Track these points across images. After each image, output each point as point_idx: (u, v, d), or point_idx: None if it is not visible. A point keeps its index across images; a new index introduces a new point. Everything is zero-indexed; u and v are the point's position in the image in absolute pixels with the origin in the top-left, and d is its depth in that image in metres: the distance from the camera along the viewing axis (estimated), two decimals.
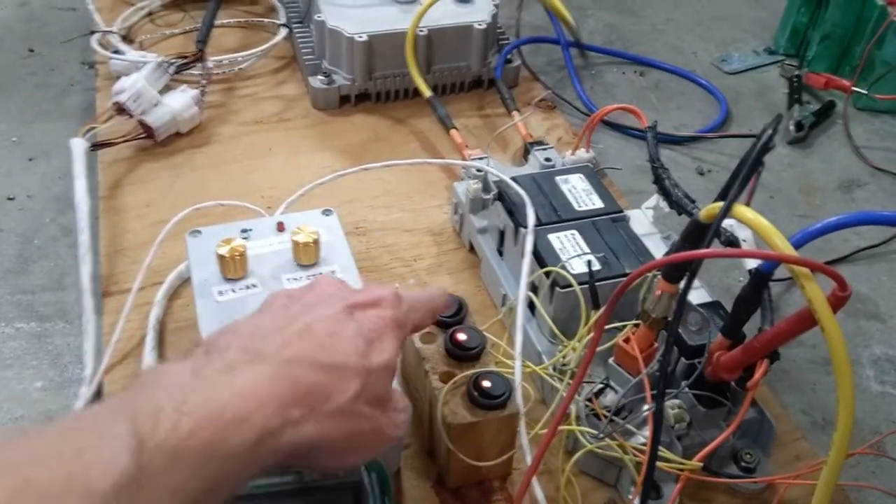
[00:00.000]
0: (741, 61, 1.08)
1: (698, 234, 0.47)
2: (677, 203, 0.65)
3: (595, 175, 0.70)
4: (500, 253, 0.70)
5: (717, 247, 0.55)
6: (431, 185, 0.82)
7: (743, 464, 0.57)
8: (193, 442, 0.34)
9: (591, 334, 0.56)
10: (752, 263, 0.61)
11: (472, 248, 0.74)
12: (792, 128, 0.94)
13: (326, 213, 0.65)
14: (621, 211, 0.67)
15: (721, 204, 0.44)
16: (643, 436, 0.54)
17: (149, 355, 0.63)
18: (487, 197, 0.72)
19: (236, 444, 0.35)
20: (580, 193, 0.68)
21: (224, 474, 0.35)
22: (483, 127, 0.91)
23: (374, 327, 0.43)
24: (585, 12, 1.15)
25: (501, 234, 0.69)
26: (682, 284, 0.49)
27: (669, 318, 0.52)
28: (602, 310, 0.47)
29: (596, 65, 1.06)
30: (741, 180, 0.43)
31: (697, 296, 0.63)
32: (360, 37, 0.87)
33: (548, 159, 0.75)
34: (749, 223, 0.43)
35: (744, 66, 1.07)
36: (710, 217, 0.45)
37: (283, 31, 0.98)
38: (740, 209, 0.43)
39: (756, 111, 1.00)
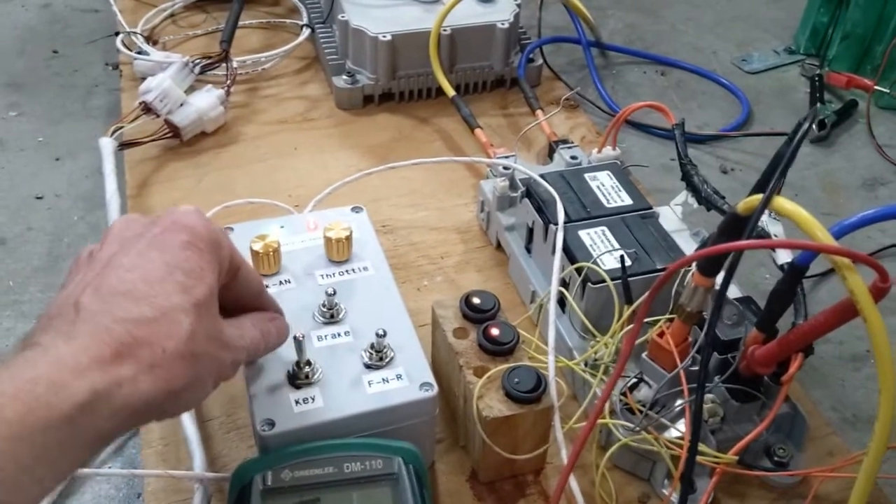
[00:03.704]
0: (762, 61, 1.08)
1: (736, 226, 0.47)
2: (706, 199, 0.65)
3: (623, 172, 0.70)
4: (529, 250, 0.70)
5: None
6: (456, 183, 0.82)
7: (776, 458, 0.57)
8: (6, 413, 0.32)
9: (626, 329, 0.56)
10: (782, 259, 0.61)
11: (499, 246, 0.74)
12: (814, 127, 0.94)
13: (356, 210, 0.65)
14: (650, 207, 0.67)
15: (759, 196, 0.44)
16: (677, 430, 0.54)
17: None
18: (515, 195, 0.72)
19: (57, 413, 0.33)
20: (609, 190, 0.68)
21: (50, 446, 0.33)
22: (506, 126, 0.91)
23: (182, 254, 0.41)
24: (605, 12, 1.15)
25: (530, 232, 0.69)
26: (718, 278, 0.50)
27: (705, 312, 0.52)
28: (643, 298, 0.47)
29: (616, 64, 1.06)
30: (780, 171, 0.43)
31: (728, 291, 0.63)
32: (384, 36, 0.88)
33: (574, 157, 0.75)
34: (789, 214, 0.43)
35: (764, 66, 1.07)
36: (748, 209, 0.45)
37: (306, 32, 0.98)
38: (780, 201, 0.43)
39: (777, 110, 1.00)
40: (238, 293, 0.46)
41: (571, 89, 0.96)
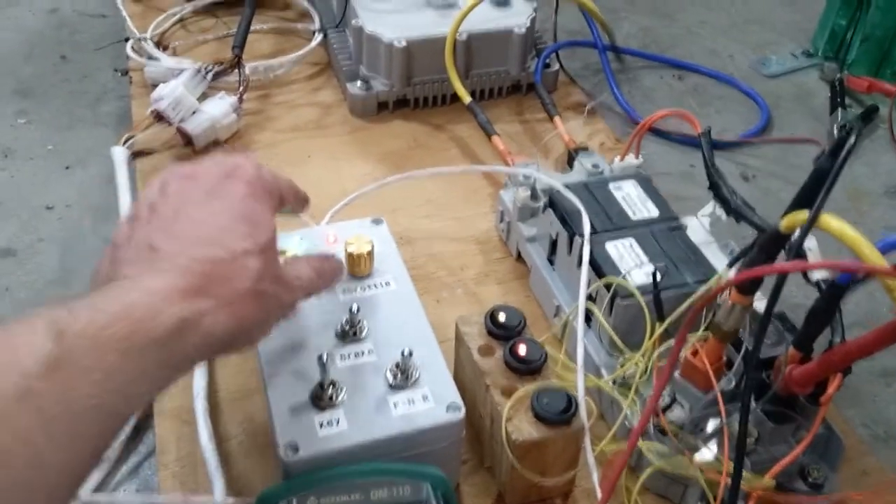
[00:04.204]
0: (780, 64, 1.06)
1: (776, 244, 0.45)
2: (736, 211, 0.63)
3: (649, 182, 0.69)
4: (551, 262, 0.68)
5: (782, 258, 0.53)
6: (474, 192, 0.81)
7: (811, 480, 0.55)
8: (111, 331, 0.35)
9: (659, 349, 0.54)
10: (818, 275, 0.60)
11: (519, 257, 0.73)
12: (836, 132, 0.93)
13: (376, 222, 0.64)
14: (678, 219, 0.65)
15: (802, 213, 0.43)
16: (709, 449, 0.52)
17: None
18: (537, 205, 0.70)
19: (155, 335, 0.36)
20: (634, 201, 0.66)
21: (149, 364, 0.37)
22: (523, 133, 0.89)
23: (244, 205, 0.44)
24: (619, 15, 1.14)
25: (553, 243, 0.67)
26: (756, 296, 0.48)
27: (742, 331, 0.50)
28: (676, 314, 0.45)
29: (633, 69, 1.04)
30: (826, 188, 0.42)
31: (760, 307, 0.61)
32: (399, 42, 0.86)
33: (595, 165, 0.73)
34: (836, 233, 0.41)
35: (783, 70, 1.06)
36: (791, 227, 0.43)
37: (318, 37, 0.96)
38: (826, 218, 0.42)
39: (797, 115, 0.98)
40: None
41: (588, 94, 0.94)
